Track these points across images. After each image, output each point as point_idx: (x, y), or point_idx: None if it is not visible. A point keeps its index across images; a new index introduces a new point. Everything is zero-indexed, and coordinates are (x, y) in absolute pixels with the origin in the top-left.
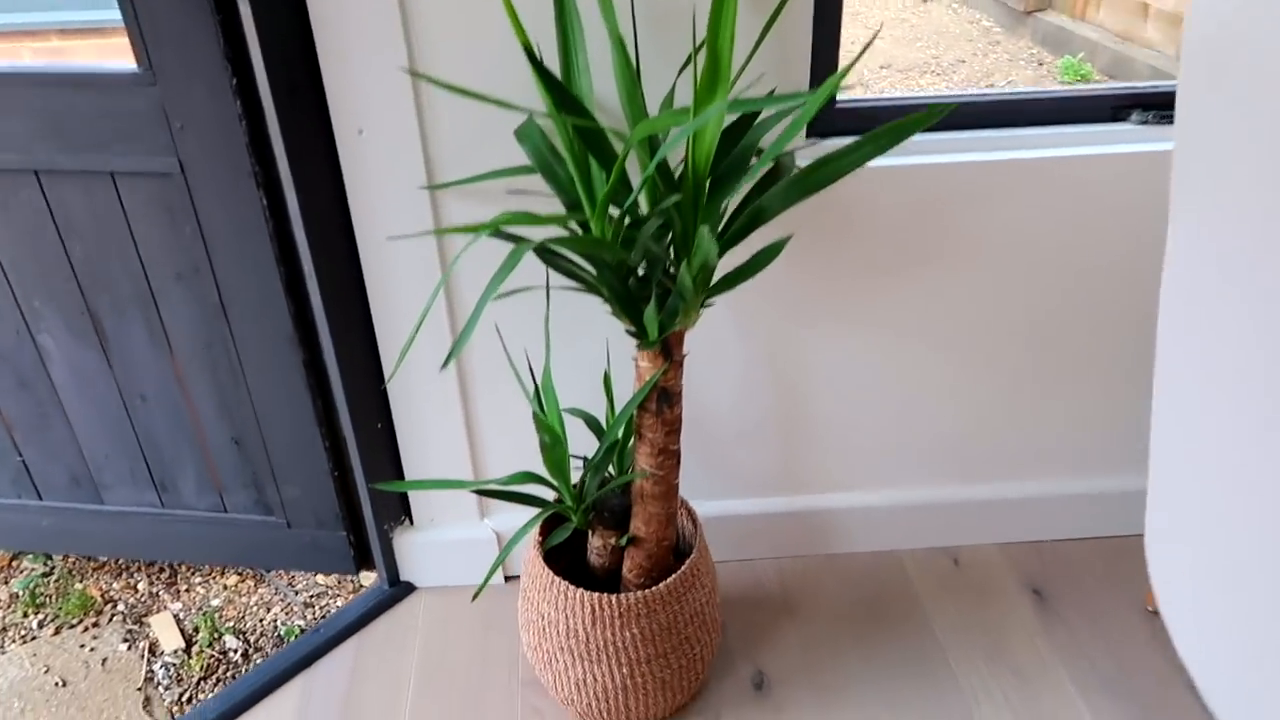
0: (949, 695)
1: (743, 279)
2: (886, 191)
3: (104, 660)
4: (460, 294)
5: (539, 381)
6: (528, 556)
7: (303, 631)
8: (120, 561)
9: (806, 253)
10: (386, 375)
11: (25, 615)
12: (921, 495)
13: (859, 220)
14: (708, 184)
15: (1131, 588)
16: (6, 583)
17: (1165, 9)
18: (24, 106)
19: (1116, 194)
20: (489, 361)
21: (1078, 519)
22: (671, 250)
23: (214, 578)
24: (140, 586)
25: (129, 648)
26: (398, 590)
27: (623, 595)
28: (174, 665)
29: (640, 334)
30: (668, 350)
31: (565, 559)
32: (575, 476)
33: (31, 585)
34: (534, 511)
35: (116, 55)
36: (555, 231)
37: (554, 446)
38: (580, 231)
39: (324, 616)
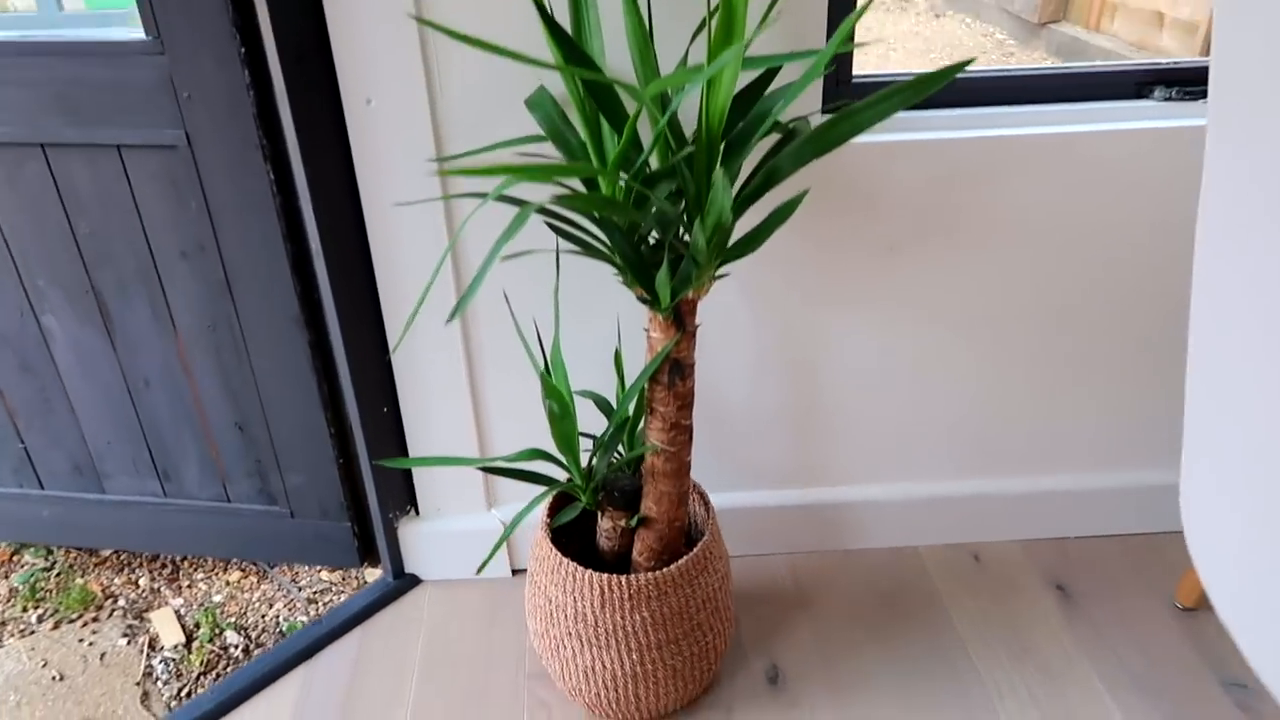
0: (971, 690)
1: (759, 241)
2: (906, 167)
3: (102, 655)
4: (467, 265)
5: (548, 355)
6: (535, 539)
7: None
8: (122, 556)
9: (823, 231)
10: (396, 363)
11: (24, 610)
12: (941, 489)
13: (877, 197)
14: (721, 147)
15: (1159, 585)
16: (7, 577)
17: (1180, 17)
18: (30, 77)
19: (1141, 170)
20: (497, 343)
21: (1103, 515)
22: (685, 215)
23: (216, 573)
24: (141, 582)
25: (128, 643)
26: (402, 583)
27: (633, 576)
28: (174, 660)
29: (652, 300)
30: (680, 320)
31: (574, 546)
32: (586, 461)
33: (32, 579)
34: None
35: None
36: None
37: (563, 418)
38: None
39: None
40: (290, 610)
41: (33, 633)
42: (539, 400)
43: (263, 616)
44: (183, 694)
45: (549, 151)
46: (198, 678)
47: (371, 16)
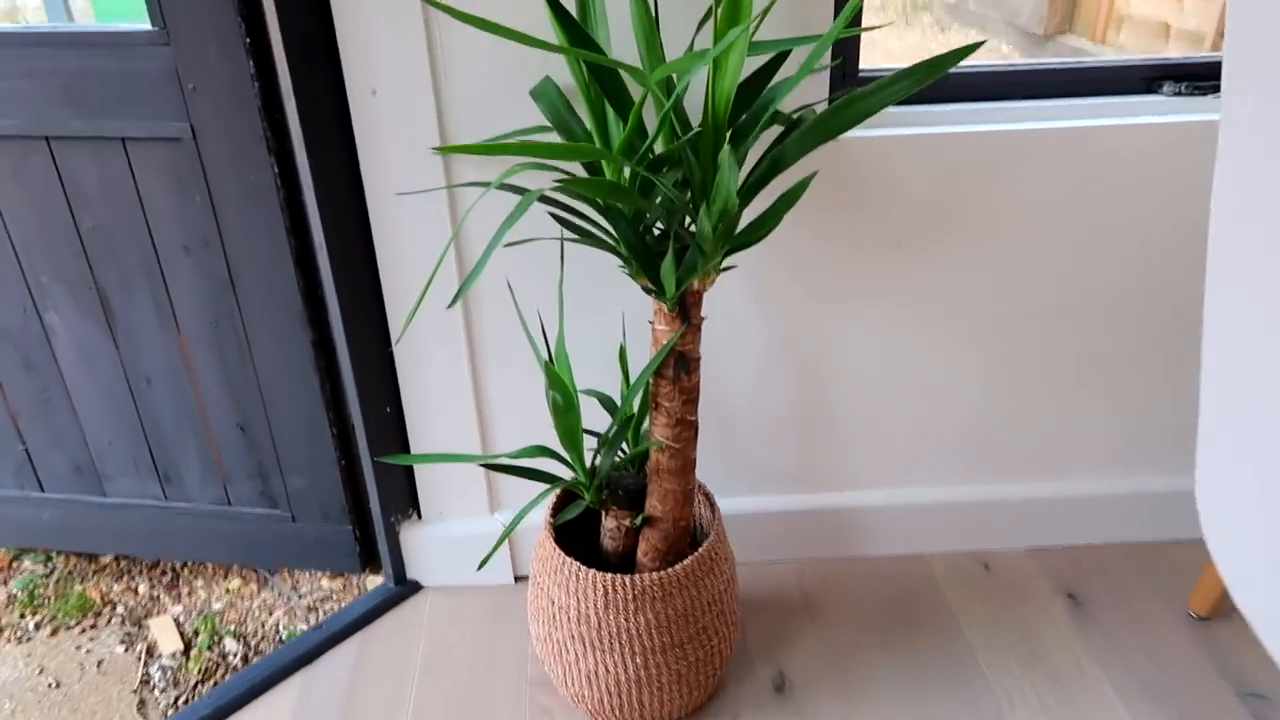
0: (981, 698)
1: (765, 228)
2: (913, 161)
3: (100, 662)
4: (471, 257)
5: (552, 348)
6: (538, 540)
7: None
8: (121, 563)
9: (828, 227)
10: (397, 354)
11: (22, 616)
12: (949, 494)
13: (883, 192)
14: (728, 135)
15: (1173, 594)
16: (5, 584)
17: (1187, 28)
18: (37, 68)
19: (1150, 165)
20: (501, 341)
21: (1114, 523)
22: (690, 202)
23: (216, 581)
24: (141, 589)
25: (126, 650)
26: (404, 588)
27: (637, 576)
28: (171, 668)
29: (657, 291)
30: (685, 312)
31: (578, 549)
32: (590, 460)
33: (30, 586)
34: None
35: None
36: (569, 200)
37: (566, 411)
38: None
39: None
40: (290, 618)
41: (30, 639)
42: (543, 401)
43: (262, 624)
44: (179, 701)
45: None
46: (195, 685)
47: (377, 6)
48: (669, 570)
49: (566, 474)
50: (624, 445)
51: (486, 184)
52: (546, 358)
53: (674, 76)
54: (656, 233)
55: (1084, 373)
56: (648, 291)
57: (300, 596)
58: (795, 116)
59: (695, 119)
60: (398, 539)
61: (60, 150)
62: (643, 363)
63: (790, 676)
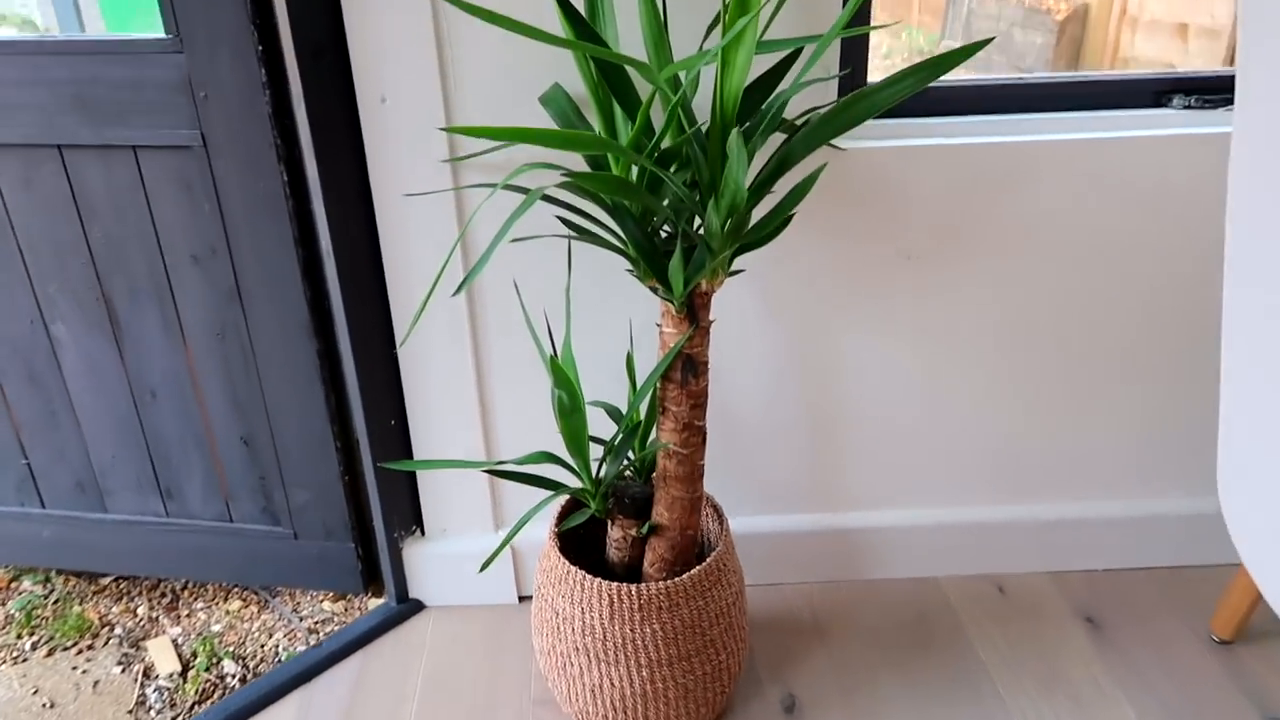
0: (995, 718)
1: (774, 225)
2: (923, 173)
3: (95, 683)
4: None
5: (559, 352)
6: (542, 550)
7: None
8: (121, 585)
9: (839, 239)
10: (402, 366)
11: (19, 637)
12: (963, 514)
13: (895, 204)
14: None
15: (1194, 617)
16: (4, 604)
17: (1204, 24)
18: (49, 78)
19: (1162, 177)
20: (507, 353)
21: (1133, 546)
22: (699, 200)
23: (216, 603)
24: (140, 610)
25: (123, 671)
26: (405, 607)
27: (643, 585)
28: (168, 689)
29: (665, 291)
30: (693, 314)
31: (583, 562)
32: (596, 470)
33: (28, 606)
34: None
35: None
36: (577, 201)
37: (572, 412)
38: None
39: None
40: (290, 640)
41: (25, 660)
42: (550, 417)
43: (262, 646)
44: None
45: (564, 152)
46: (192, 707)
47: (388, 14)
48: (676, 580)
49: (572, 482)
50: (630, 453)
51: (493, 185)
52: (550, 352)
53: (682, 75)
54: (664, 234)
55: (1100, 390)
56: (655, 292)
57: (301, 619)
58: (801, 122)
59: (704, 119)
60: (400, 556)
61: (71, 159)
62: (650, 372)
63: (800, 697)
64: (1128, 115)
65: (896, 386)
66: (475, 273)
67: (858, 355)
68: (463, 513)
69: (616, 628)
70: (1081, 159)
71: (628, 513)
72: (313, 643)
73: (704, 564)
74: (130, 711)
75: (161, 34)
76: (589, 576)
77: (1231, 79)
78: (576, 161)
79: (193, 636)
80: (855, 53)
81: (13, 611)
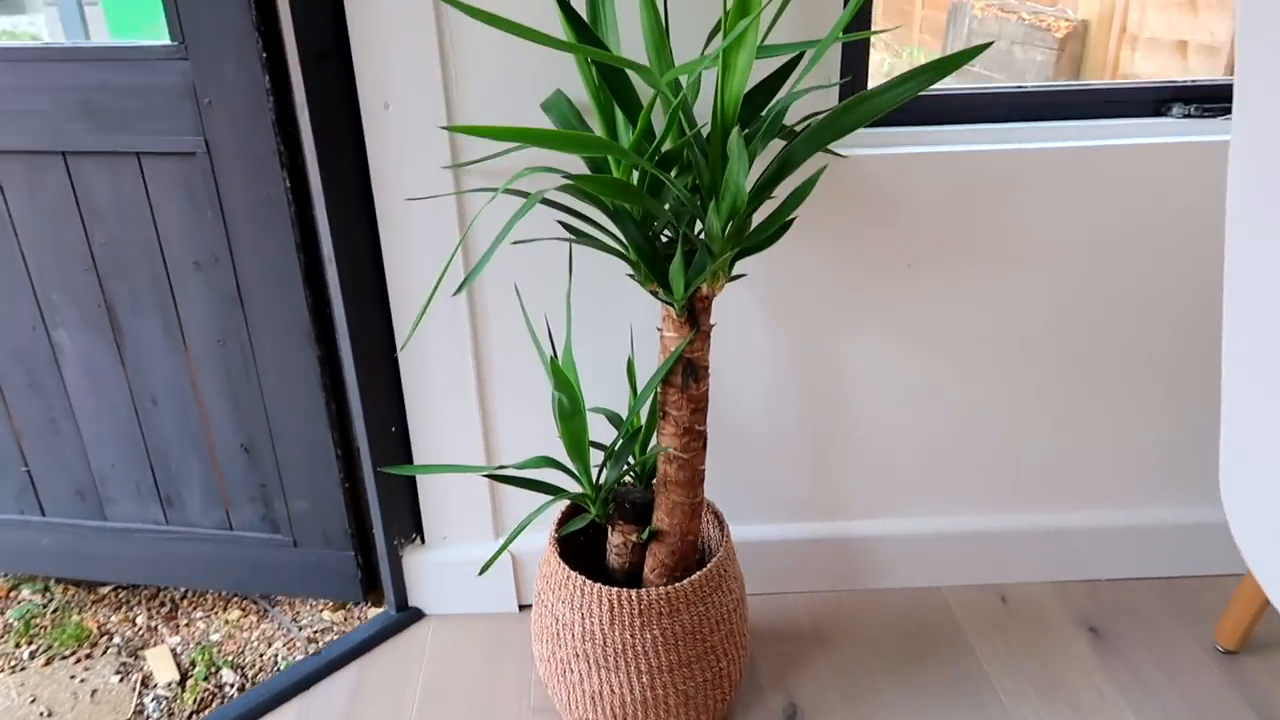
0: None
1: (775, 227)
2: (927, 180)
3: (93, 692)
4: (479, 280)
5: (560, 356)
6: (543, 556)
7: None
8: (120, 594)
9: (841, 246)
10: (402, 372)
11: (17, 645)
12: (965, 524)
13: (897, 211)
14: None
15: (1198, 628)
16: (2, 613)
17: (1203, 41)
18: (56, 84)
19: (1162, 185)
20: (508, 360)
21: (1136, 556)
22: (699, 202)
23: (215, 612)
24: (139, 620)
25: (121, 680)
26: (405, 616)
27: (644, 591)
28: (166, 699)
29: (666, 295)
30: (694, 318)
31: (584, 569)
32: (597, 476)
33: (27, 615)
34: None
35: None
36: (577, 205)
37: (572, 415)
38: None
39: None
40: (289, 649)
41: (23, 669)
42: (551, 424)
43: (260, 655)
44: None
45: (566, 157)
46: (190, 716)
47: (392, 20)
48: (676, 585)
49: (572, 487)
50: (631, 458)
51: (495, 189)
52: (551, 356)
53: (683, 80)
54: (665, 239)
55: (1103, 398)
56: (655, 296)
57: (300, 628)
58: (801, 128)
59: (705, 129)
60: (400, 563)
61: (76, 165)
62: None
63: (801, 706)
64: (1128, 124)
65: (898, 394)
66: (476, 272)
67: (859, 362)
68: (463, 520)
69: (617, 633)
70: (1083, 167)
71: (628, 518)
72: (311, 652)
73: (705, 569)
74: None
75: (167, 40)
76: (589, 581)
77: (1231, 88)
78: (578, 166)
79: (191, 646)
80: (856, 61)
81: (11, 620)
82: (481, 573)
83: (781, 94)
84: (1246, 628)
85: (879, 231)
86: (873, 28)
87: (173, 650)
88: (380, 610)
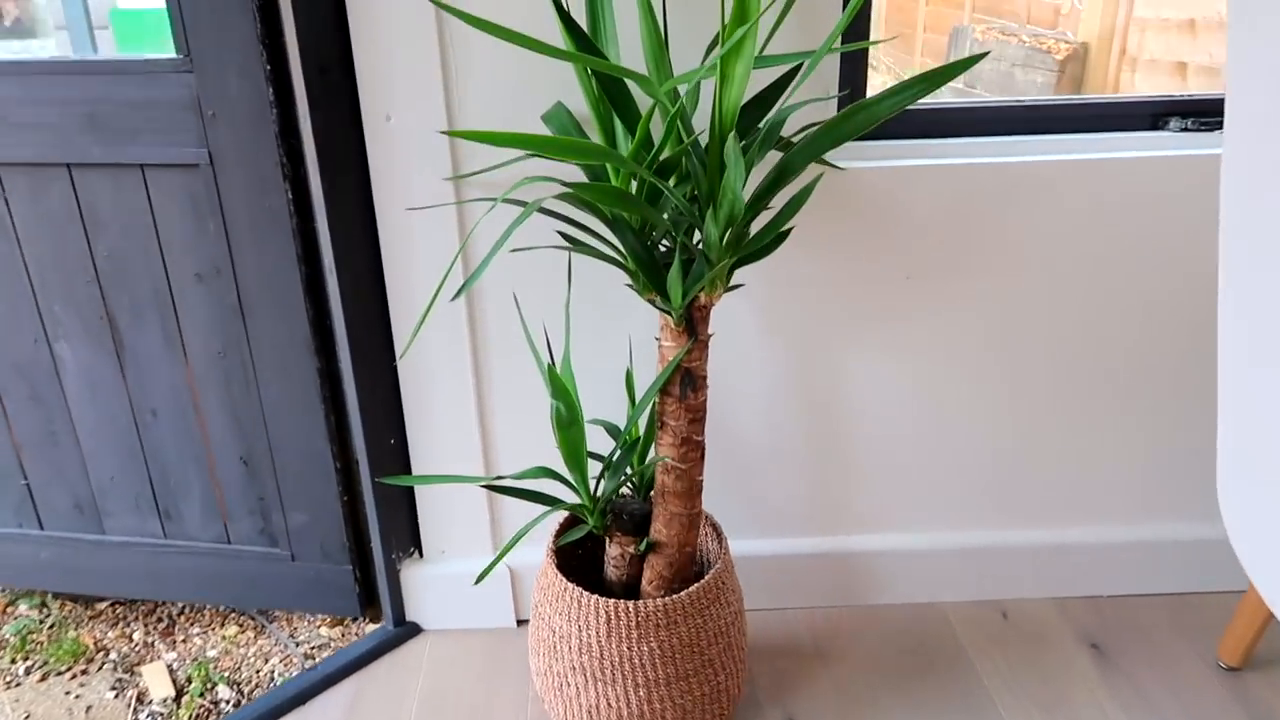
0: None
1: (771, 234)
2: (925, 193)
3: (88, 708)
4: (478, 291)
5: (558, 365)
6: (540, 569)
7: None
8: (117, 610)
9: (840, 259)
10: (402, 384)
11: (13, 661)
12: (965, 539)
13: (895, 224)
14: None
15: (1201, 644)
16: None
17: (1202, 63)
18: (61, 97)
19: (1159, 198)
20: (507, 372)
21: (1139, 572)
22: (698, 211)
23: (212, 628)
24: (135, 635)
25: (116, 696)
26: (402, 631)
27: (641, 602)
28: (161, 715)
29: (664, 302)
30: (692, 328)
31: (583, 582)
32: (595, 488)
33: (23, 631)
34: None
35: None
36: (576, 215)
37: (570, 425)
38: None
39: None
40: (286, 665)
41: (19, 684)
42: (549, 434)
43: (257, 671)
44: None
45: (565, 168)
46: None
47: (394, 34)
48: (673, 597)
49: (570, 498)
50: (629, 469)
51: (495, 199)
52: (549, 363)
53: (682, 90)
54: (663, 248)
55: (1103, 412)
56: (653, 304)
57: (297, 644)
58: (799, 138)
59: (704, 140)
60: (398, 578)
61: (80, 177)
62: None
63: None
64: (1126, 138)
65: (897, 407)
66: (475, 277)
67: (858, 375)
68: (462, 534)
69: (614, 645)
70: (1081, 180)
71: (626, 529)
72: (308, 667)
73: (702, 581)
74: None
75: (172, 54)
76: (586, 593)
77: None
78: (577, 178)
79: (188, 662)
80: (854, 74)
81: (7, 635)
82: (477, 582)
83: (780, 105)
84: (1249, 644)
85: (878, 244)
86: (872, 52)
87: (169, 666)
88: (378, 625)
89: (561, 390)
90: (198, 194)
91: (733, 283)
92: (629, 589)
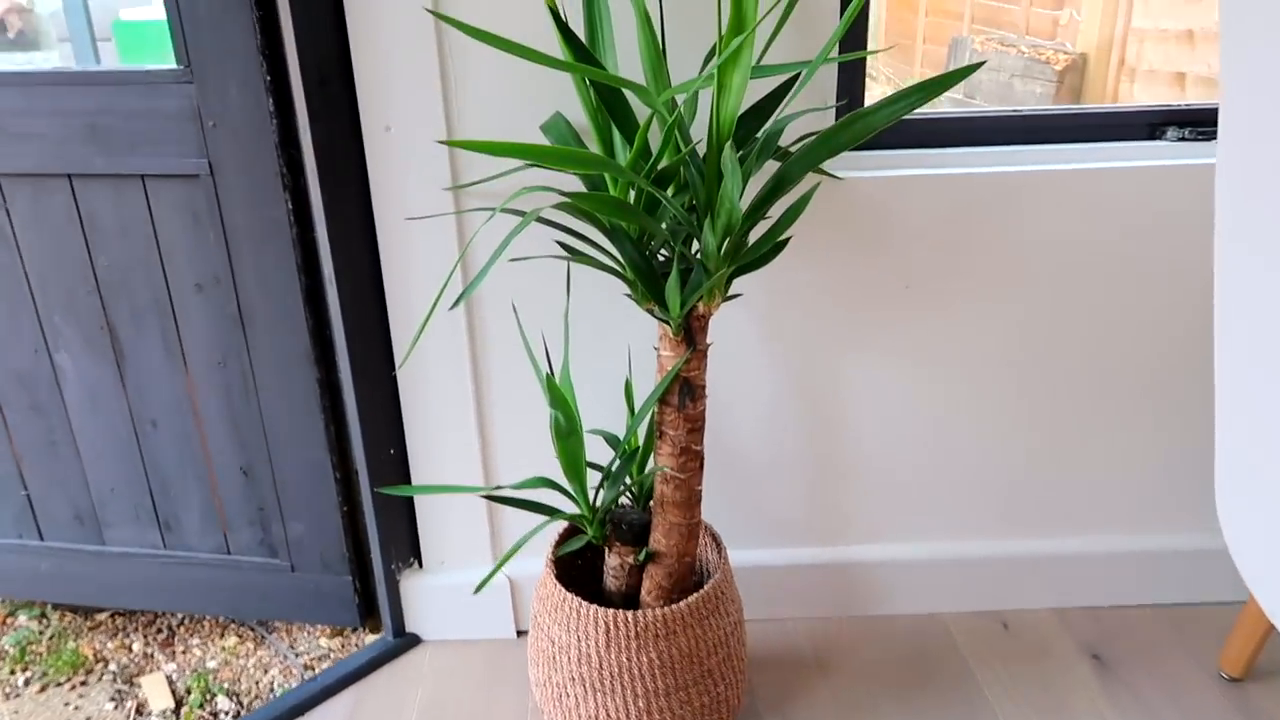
0: None
1: (769, 243)
2: (923, 202)
3: (87, 719)
4: (478, 302)
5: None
6: (539, 579)
7: None
8: (117, 620)
9: (838, 268)
10: (401, 394)
11: (12, 672)
12: (965, 549)
13: (894, 233)
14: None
15: (1203, 655)
16: None
17: (1201, 74)
18: (63, 108)
19: (1157, 206)
20: (506, 384)
21: (1140, 582)
22: (695, 220)
23: (212, 639)
24: (135, 646)
25: (115, 707)
26: (402, 641)
27: (640, 612)
28: None
29: (662, 310)
30: (691, 337)
31: (582, 593)
32: (595, 499)
33: (22, 641)
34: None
35: None
36: (575, 225)
37: (569, 434)
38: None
39: None
40: (285, 676)
41: (17, 695)
42: (550, 448)
43: (257, 683)
44: None
45: (564, 178)
46: None
47: (394, 44)
48: (673, 607)
49: (569, 508)
50: (628, 479)
51: (494, 209)
52: (547, 373)
53: (679, 99)
54: (662, 258)
55: (1103, 421)
56: (652, 314)
57: (297, 654)
58: (796, 149)
59: (702, 149)
60: (398, 588)
61: (81, 188)
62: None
63: None
64: (1124, 147)
65: (897, 417)
66: (473, 286)
67: (858, 384)
68: (461, 545)
69: (613, 656)
70: (1079, 189)
71: (625, 539)
72: (307, 678)
73: (702, 591)
74: None
75: (173, 65)
76: (585, 603)
77: None
78: (576, 188)
79: (187, 673)
80: (852, 85)
81: (7, 646)
82: (476, 592)
83: (777, 114)
84: (1251, 655)
85: (877, 253)
86: (870, 61)
87: (168, 677)
88: (378, 636)
89: (560, 400)
90: (198, 204)
91: (731, 292)
92: (628, 599)
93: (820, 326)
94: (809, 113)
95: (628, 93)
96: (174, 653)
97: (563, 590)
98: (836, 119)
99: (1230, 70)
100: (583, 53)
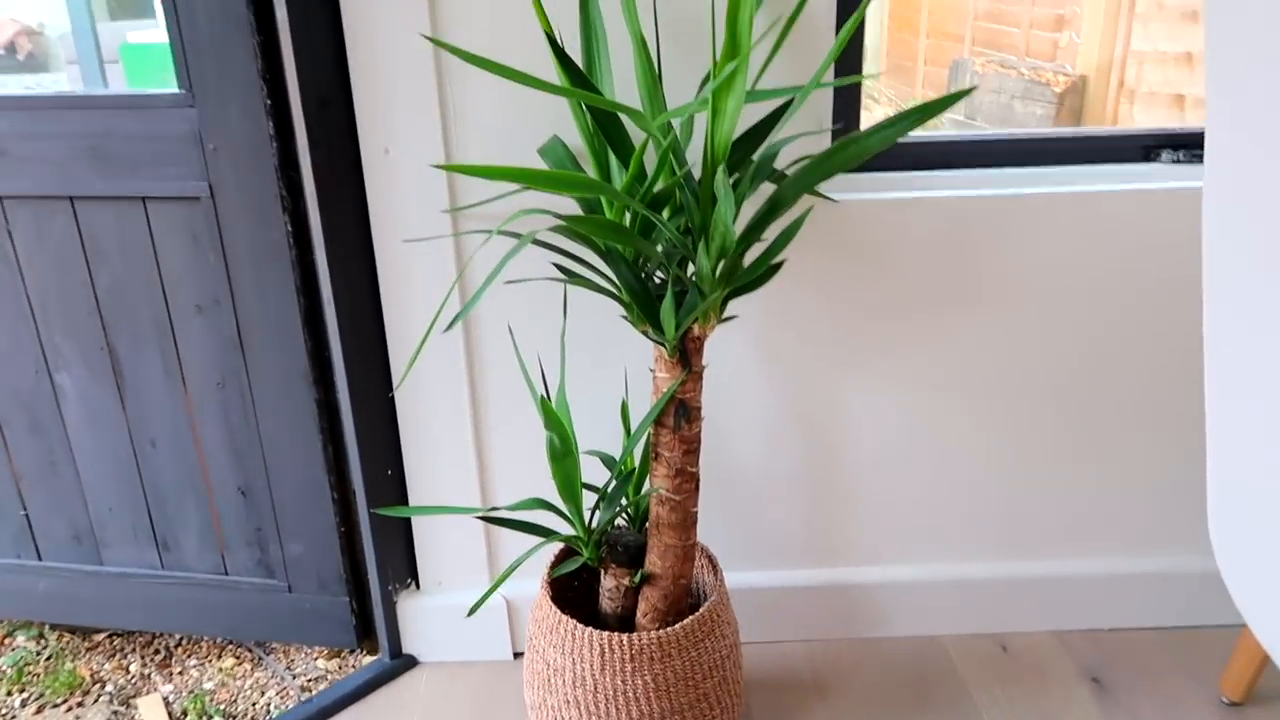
0: None
1: (764, 267)
2: (920, 225)
3: None
4: (476, 323)
5: (553, 397)
6: (535, 601)
7: None
8: (115, 641)
9: (835, 290)
10: (399, 415)
11: (9, 694)
12: (964, 571)
13: (890, 255)
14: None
15: (1203, 679)
16: None
17: (1200, 95)
18: (65, 131)
19: (1152, 228)
20: (503, 405)
21: (1140, 605)
22: (690, 243)
23: (209, 660)
24: (132, 667)
25: None
26: (399, 663)
27: (635, 635)
28: None
29: (657, 332)
30: (686, 359)
31: (578, 615)
32: (591, 520)
33: (19, 663)
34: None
35: None
36: (571, 247)
37: (564, 456)
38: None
39: None
40: (282, 698)
41: (14, 717)
42: (547, 470)
43: (253, 704)
44: None
45: (560, 200)
46: None
47: (393, 69)
48: (668, 629)
49: (565, 529)
50: (624, 500)
51: (491, 231)
52: (543, 392)
53: (675, 124)
54: (657, 280)
55: (1103, 443)
56: (647, 335)
57: (294, 676)
58: (791, 172)
59: (697, 173)
60: (395, 610)
61: (83, 210)
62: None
63: None
64: (1119, 170)
65: (894, 438)
66: (469, 306)
67: (854, 406)
68: (458, 566)
69: (608, 679)
70: (1074, 212)
71: (620, 561)
72: (304, 700)
73: (697, 614)
74: None
75: (175, 89)
76: (580, 625)
77: None
78: (572, 210)
79: (184, 694)
80: (848, 109)
81: (4, 667)
82: (471, 613)
83: (771, 138)
84: (1251, 679)
85: (873, 275)
86: (866, 83)
87: (165, 699)
88: (375, 657)
89: (555, 422)
90: (198, 226)
91: (726, 314)
92: (624, 621)
93: (816, 348)
94: (804, 136)
95: (624, 117)
96: (171, 674)
97: (558, 612)
98: (832, 142)
99: (1216, 93)
100: (579, 78)
